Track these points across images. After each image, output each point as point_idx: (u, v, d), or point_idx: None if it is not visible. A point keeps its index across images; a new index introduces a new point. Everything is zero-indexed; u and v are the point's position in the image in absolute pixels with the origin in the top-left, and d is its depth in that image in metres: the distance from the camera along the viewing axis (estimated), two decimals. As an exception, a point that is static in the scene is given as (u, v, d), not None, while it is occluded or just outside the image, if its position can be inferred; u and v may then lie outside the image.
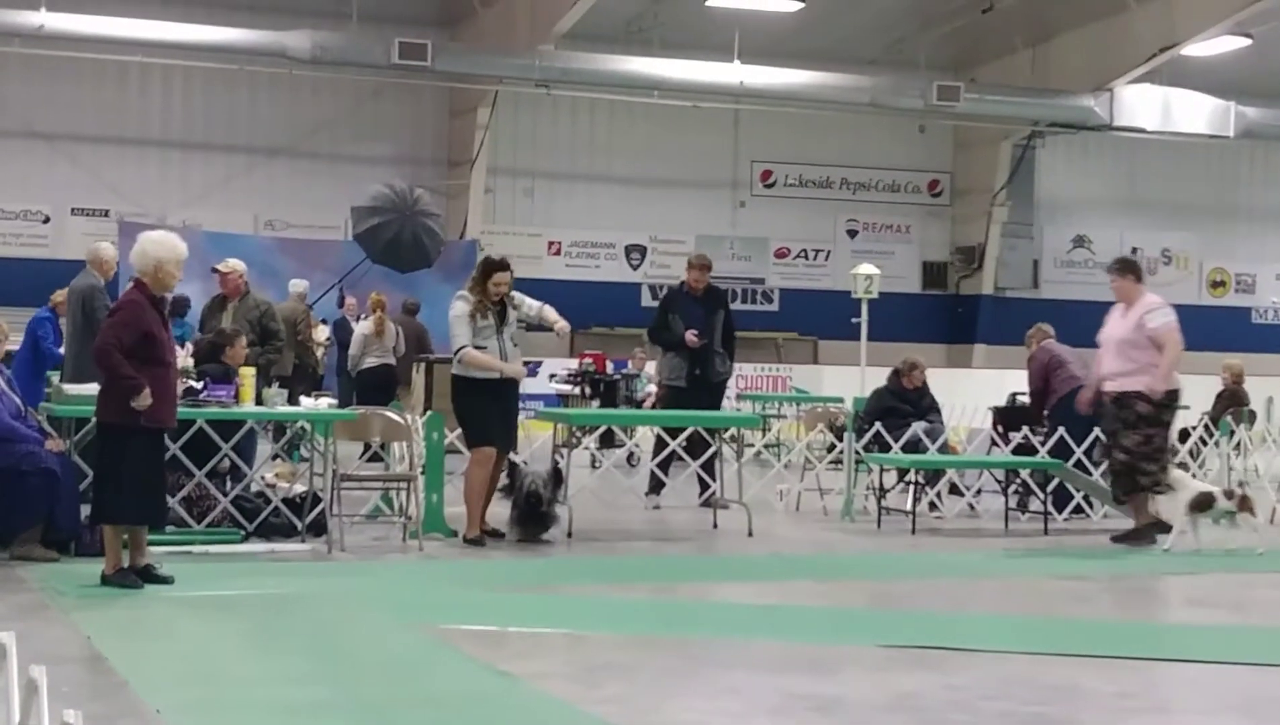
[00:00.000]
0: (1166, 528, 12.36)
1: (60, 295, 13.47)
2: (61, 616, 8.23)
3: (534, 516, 11.60)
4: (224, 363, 11.97)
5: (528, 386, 20.38)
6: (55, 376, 11.82)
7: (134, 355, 8.92)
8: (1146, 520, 12.59)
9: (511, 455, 12.07)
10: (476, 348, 11.51)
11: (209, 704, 6.35)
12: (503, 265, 11.67)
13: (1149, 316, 12.57)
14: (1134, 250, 33.52)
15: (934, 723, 6.29)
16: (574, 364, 22.41)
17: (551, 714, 6.36)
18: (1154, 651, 7.98)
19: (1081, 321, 22.24)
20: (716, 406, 14.67)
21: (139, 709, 6.18)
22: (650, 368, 19.86)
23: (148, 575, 9.09)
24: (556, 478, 11.82)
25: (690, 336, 14.18)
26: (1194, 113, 29.44)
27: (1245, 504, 12.10)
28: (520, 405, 17.82)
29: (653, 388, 19.04)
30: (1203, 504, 12.01)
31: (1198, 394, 20.64)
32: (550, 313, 11.91)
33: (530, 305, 11.88)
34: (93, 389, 9.64)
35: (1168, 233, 33.68)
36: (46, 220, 27.57)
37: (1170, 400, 12.56)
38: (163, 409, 9.05)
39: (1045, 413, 14.34)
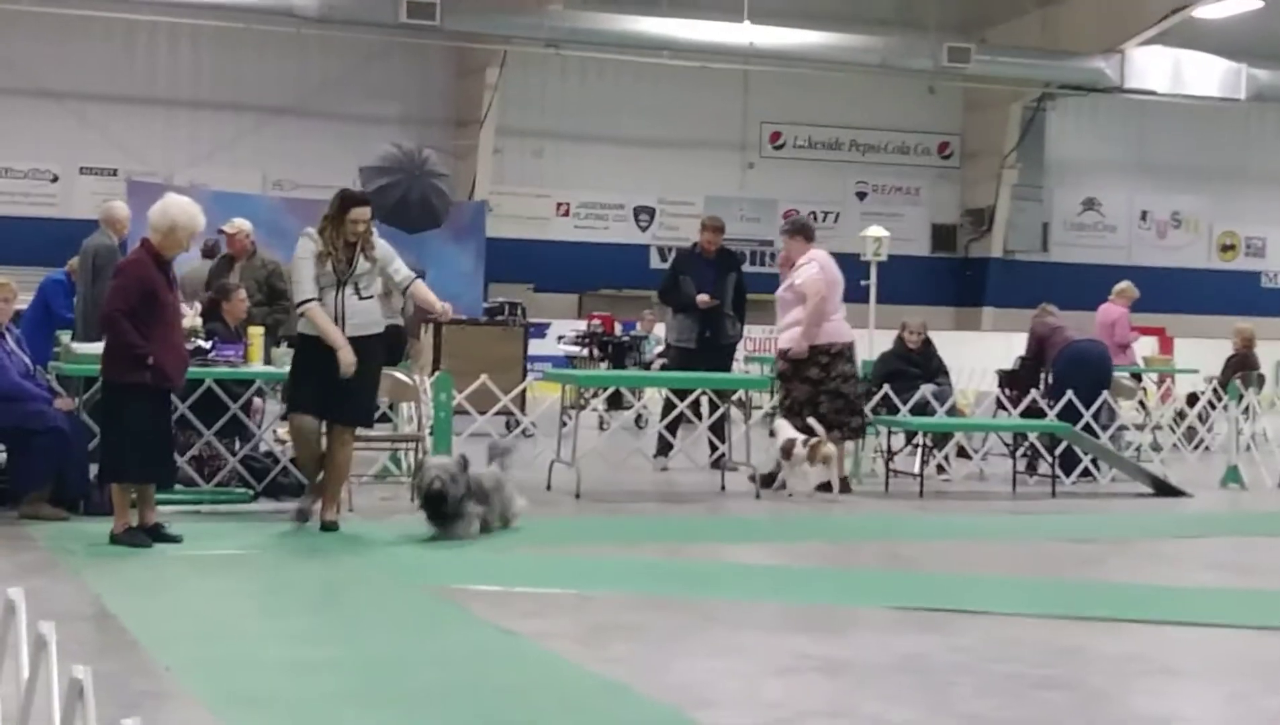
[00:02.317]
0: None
1: (76, 262, 13.48)
2: (71, 575, 8.25)
3: (438, 517, 9.79)
4: (223, 319, 11.96)
5: (536, 348, 20.46)
6: (65, 335, 11.82)
7: (138, 316, 8.92)
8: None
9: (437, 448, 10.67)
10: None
11: (218, 661, 6.36)
12: (363, 200, 10.12)
13: (798, 272, 12.81)
14: (1144, 213, 33.50)
15: (941, 684, 6.30)
16: (582, 325, 22.41)
17: (558, 673, 6.37)
18: (1161, 614, 7.98)
19: (1091, 284, 22.27)
20: (726, 369, 14.64)
21: (148, 667, 6.20)
22: (659, 329, 19.85)
23: (157, 534, 9.11)
24: (466, 469, 9.88)
25: (701, 298, 14.15)
26: (1205, 75, 29.31)
27: (812, 452, 12.48)
28: (529, 367, 17.89)
29: (659, 349, 19.01)
30: (786, 451, 12.51)
31: (1207, 358, 20.66)
32: (423, 291, 10.35)
33: (400, 271, 10.17)
34: (100, 348, 9.65)
35: (1178, 196, 33.58)
36: (55, 179, 27.55)
37: (818, 356, 12.74)
38: (169, 368, 9.06)
39: (1043, 374, 14.53)
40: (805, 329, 12.68)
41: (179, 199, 9.38)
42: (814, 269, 12.78)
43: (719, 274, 14.40)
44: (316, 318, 9.84)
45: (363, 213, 9.91)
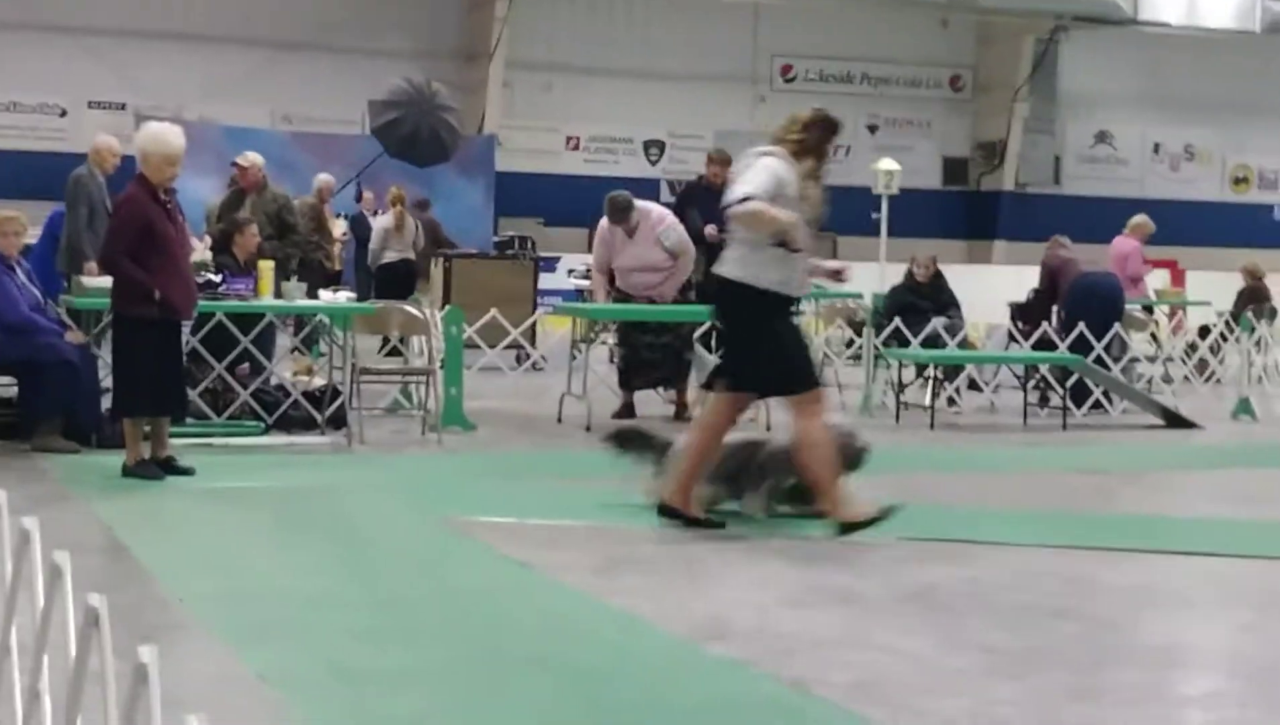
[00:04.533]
0: None
1: None
2: (83, 507, 8.27)
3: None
4: (234, 253, 11.94)
5: (546, 282, 20.42)
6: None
7: (139, 252, 8.88)
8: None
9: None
10: None
11: (230, 594, 6.38)
12: (840, 124, 8.23)
13: (667, 232, 12.95)
14: (1156, 146, 33.30)
15: (952, 614, 6.31)
16: (592, 259, 22.32)
17: (571, 606, 6.39)
18: (1172, 545, 7.99)
19: (1103, 217, 22.16)
20: None
21: (161, 598, 6.22)
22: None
23: (169, 467, 9.12)
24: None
25: (710, 230, 14.10)
26: (1219, 6, 29.11)
27: None
28: (539, 301, 17.86)
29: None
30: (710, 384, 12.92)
31: (1219, 291, 20.60)
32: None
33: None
34: (109, 282, 9.64)
35: (1191, 129, 33.35)
36: (63, 114, 27.45)
37: None
38: (176, 300, 9.02)
39: (1055, 308, 14.52)
40: (677, 281, 13.02)
41: (151, 126, 9.34)
42: (682, 229, 13.05)
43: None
44: (770, 212, 7.67)
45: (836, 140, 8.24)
